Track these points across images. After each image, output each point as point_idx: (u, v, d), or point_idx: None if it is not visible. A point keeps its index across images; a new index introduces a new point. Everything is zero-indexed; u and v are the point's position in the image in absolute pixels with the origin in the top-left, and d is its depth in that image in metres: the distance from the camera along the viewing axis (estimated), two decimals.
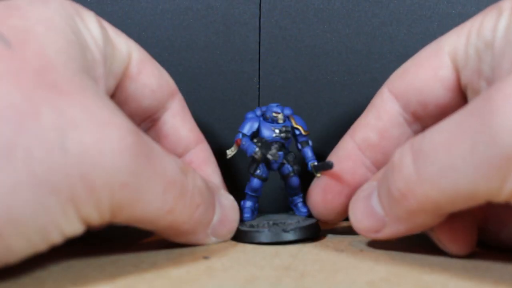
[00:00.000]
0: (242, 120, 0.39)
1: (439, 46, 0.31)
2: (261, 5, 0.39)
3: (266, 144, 0.34)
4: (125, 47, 0.31)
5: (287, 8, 0.39)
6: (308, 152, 0.35)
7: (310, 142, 0.35)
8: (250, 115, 0.35)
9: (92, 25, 0.29)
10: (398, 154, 0.27)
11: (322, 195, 0.34)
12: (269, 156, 0.33)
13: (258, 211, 0.36)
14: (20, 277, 0.25)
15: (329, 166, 0.33)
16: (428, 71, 0.31)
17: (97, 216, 0.25)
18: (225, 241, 0.33)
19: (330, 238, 0.34)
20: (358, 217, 0.30)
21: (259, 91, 0.40)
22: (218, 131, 0.40)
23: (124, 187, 0.24)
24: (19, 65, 0.24)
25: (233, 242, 0.33)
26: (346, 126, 0.39)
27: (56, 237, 0.24)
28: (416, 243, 0.33)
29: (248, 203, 0.35)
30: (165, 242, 0.32)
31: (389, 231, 0.29)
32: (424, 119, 0.32)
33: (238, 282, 0.25)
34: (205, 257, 0.29)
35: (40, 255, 0.24)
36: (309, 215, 0.35)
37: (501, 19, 0.28)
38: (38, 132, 0.22)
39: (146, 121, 0.34)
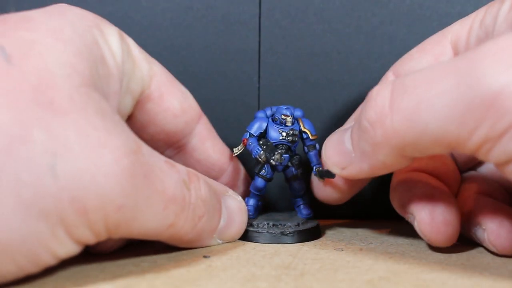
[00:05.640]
0: (242, 120, 0.39)
1: (443, 34, 0.32)
2: (261, 5, 0.39)
3: (271, 147, 0.33)
4: (147, 67, 0.31)
5: (287, 8, 0.39)
6: (314, 157, 0.35)
7: (317, 146, 0.35)
8: (260, 114, 0.34)
9: (112, 39, 0.28)
10: (377, 87, 0.27)
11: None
12: (272, 161, 0.33)
13: (262, 208, 0.36)
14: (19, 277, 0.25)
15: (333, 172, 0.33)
16: (430, 57, 0.32)
17: (92, 236, 0.24)
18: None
19: (330, 237, 0.34)
20: (328, 152, 0.31)
21: (259, 91, 0.40)
22: (218, 131, 0.39)
23: (119, 209, 0.24)
24: (15, 81, 0.23)
25: (234, 241, 0.33)
26: None
27: (48, 260, 0.23)
28: (416, 243, 0.33)
29: (251, 201, 0.35)
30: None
31: (354, 169, 0.29)
32: None
33: (238, 281, 0.25)
34: (205, 256, 0.29)
35: None
36: (311, 217, 0.35)
37: (503, 7, 0.28)
38: (27, 156, 0.22)
39: (172, 147, 0.34)
